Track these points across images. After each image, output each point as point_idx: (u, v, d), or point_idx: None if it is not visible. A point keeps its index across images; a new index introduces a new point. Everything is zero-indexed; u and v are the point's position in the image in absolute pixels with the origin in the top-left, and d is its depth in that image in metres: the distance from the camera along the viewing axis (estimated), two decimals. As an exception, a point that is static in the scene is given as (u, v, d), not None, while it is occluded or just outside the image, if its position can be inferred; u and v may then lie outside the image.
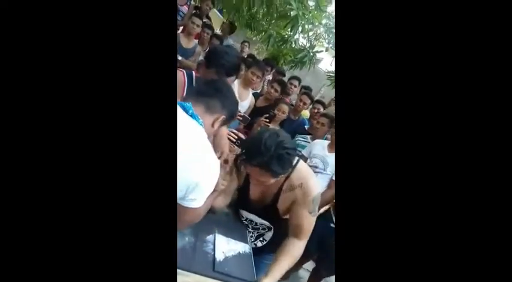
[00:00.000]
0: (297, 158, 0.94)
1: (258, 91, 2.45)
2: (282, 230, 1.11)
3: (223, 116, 0.78)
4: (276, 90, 2.19)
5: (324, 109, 2.44)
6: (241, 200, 1.08)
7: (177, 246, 0.52)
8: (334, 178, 1.74)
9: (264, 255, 1.14)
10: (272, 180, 0.90)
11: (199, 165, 0.65)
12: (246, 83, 2.08)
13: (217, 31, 3.58)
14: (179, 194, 0.63)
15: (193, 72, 1.29)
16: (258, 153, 0.82)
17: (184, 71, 1.27)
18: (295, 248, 0.95)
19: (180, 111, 0.68)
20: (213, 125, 0.77)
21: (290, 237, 0.99)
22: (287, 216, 1.03)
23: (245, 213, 1.11)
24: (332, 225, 1.70)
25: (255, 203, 1.07)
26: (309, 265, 1.89)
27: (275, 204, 1.02)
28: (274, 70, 2.95)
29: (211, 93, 0.76)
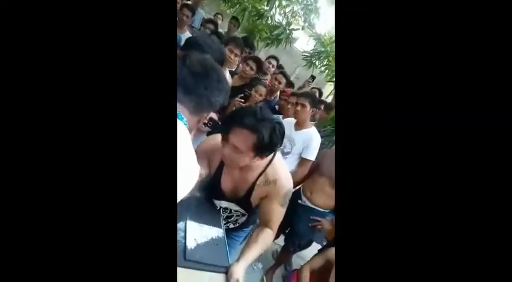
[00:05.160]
0: (273, 152, 0.92)
1: (233, 69, 2.33)
2: (256, 215, 1.12)
3: (212, 112, 0.67)
4: (251, 68, 2.08)
5: (326, 108, 2.43)
6: (213, 190, 1.05)
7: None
8: (303, 156, 1.77)
9: (235, 233, 1.15)
10: (251, 154, 0.84)
11: (180, 176, 0.54)
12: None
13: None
14: None
15: None
16: (254, 116, 0.80)
17: None
18: (266, 236, 0.96)
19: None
20: (198, 122, 0.66)
21: (261, 226, 0.99)
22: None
23: (218, 202, 1.08)
24: (299, 201, 1.74)
25: (227, 194, 1.04)
26: (280, 240, 1.94)
27: (248, 198, 1.00)
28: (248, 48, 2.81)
29: (200, 89, 0.61)
